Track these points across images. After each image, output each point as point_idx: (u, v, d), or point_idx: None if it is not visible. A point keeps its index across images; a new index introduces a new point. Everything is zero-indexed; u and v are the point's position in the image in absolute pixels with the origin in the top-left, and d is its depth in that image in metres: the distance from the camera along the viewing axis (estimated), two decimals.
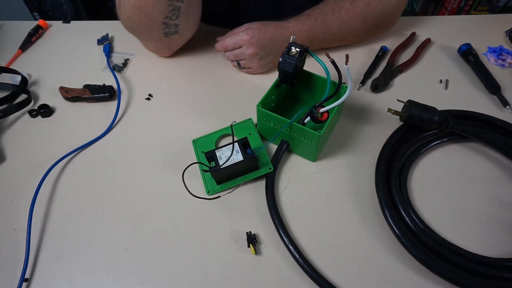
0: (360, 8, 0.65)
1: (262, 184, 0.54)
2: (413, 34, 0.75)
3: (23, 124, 0.65)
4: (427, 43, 0.73)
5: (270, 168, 0.54)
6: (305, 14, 0.66)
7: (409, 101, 0.56)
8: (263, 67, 0.68)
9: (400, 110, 0.58)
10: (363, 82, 0.67)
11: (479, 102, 0.64)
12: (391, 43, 0.73)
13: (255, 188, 0.54)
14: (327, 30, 0.66)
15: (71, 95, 0.66)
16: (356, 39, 0.71)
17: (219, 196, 0.53)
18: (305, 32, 0.65)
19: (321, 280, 0.45)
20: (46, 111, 0.65)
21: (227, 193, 0.53)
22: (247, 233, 0.49)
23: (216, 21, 0.79)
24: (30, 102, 0.66)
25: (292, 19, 0.66)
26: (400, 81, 0.68)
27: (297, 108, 0.53)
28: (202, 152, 0.57)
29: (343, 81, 0.53)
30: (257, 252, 0.48)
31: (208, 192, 0.54)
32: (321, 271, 0.46)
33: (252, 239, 0.48)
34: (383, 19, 0.68)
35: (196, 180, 0.55)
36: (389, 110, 0.57)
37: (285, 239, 0.48)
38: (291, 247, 0.47)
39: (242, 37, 0.63)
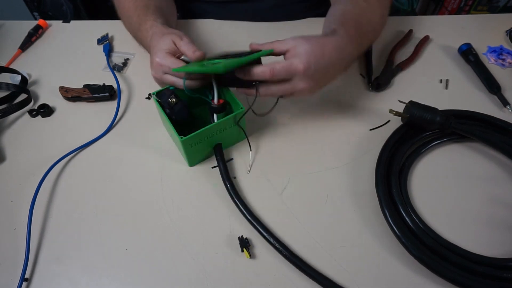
0: (375, 3, 0.60)
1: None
2: (411, 31, 0.75)
3: (23, 124, 0.65)
4: (425, 40, 0.73)
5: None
6: (344, 21, 0.55)
7: (411, 102, 0.56)
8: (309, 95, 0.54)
9: (401, 110, 0.58)
10: (370, 82, 0.67)
11: (479, 102, 0.64)
12: (390, 42, 0.74)
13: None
14: (365, 34, 0.58)
15: (71, 95, 0.66)
16: (377, 36, 0.63)
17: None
18: (354, 42, 0.54)
19: (320, 277, 0.45)
20: (46, 111, 0.65)
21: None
22: (239, 237, 0.49)
23: None
24: (30, 101, 0.66)
25: (340, 29, 0.53)
26: (400, 80, 0.68)
27: (205, 111, 0.55)
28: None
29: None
30: (253, 254, 0.48)
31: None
32: (321, 271, 0.46)
33: (245, 243, 0.48)
34: (388, 2, 0.64)
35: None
36: (391, 111, 0.57)
37: (271, 240, 0.48)
38: (281, 248, 0.47)
39: (296, 65, 0.47)
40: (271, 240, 0.47)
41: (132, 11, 0.64)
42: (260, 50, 0.51)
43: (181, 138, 0.50)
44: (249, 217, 0.49)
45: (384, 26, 0.63)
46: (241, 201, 0.51)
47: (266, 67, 0.48)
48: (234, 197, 0.51)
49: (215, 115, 0.53)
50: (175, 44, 0.54)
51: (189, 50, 0.52)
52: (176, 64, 0.52)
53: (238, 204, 0.51)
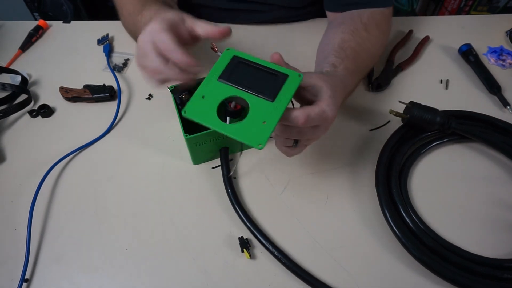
0: (375, 32, 0.59)
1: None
2: (411, 31, 0.76)
3: (23, 124, 0.65)
4: (425, 40, 0.74)
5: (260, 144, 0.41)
6: (344, 56, 0.53)
7: (411, 103, 0.56)
8: None
9: (401, 111, 0.58)
10: (370, 82, 0.66)
11: (479, 102, 0.64)
12: (390, 42, 0.74)
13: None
14: (365, 68, 0.58)
15: (71, 95, 0.66)
16: (381, 53, 0.63)
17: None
18: (354, 77, 0.54)
19: (318, 283, 0.45)
20: (46, 111, 0.65)
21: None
22: (239, 238, 0.49)
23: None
24: (30, 102, 0.66)
25: (341, 62, 0.52)
26: (400, 80, 0.68)
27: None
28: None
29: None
30: (253, 255, 0.48)
31: (184, 112, 0.42)
32: (321, 271, 0.46)
33: (246, 244, 0.48)
34: (388, 30, 0.64)
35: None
36: (391, 111, 0.57)
37: (270, 248, 0.47)
38: (280, 256, 0.47)
39: (328, 114, 0.42)
40: (270, 248, 0.47)
41: (132, 4, 0.58)
42: (304, 122, 0.41)
43: (186, 135, 0.50)
44: (249, 225, 0.49)
45: (383, 52, 0.63)
46: (241, 208, 0.51)
47: (300, 112, 0.40)
48: (235, 204, 0.51)
49: (228, 118, 0.47)
50: (183, 23, 0.44)
51: (210, 27, 0.43)
52: (171, 40, 0.41)
53: (239, 212, 0.50)
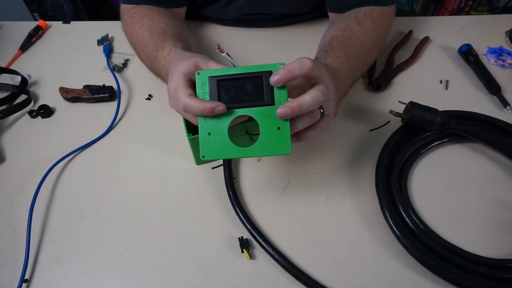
0: (370, 26, 0.60)
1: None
2: (411, 32, 0.76)
3: (23, 125, 0.65)
4: (425, 41, 0.74)
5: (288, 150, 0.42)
6: (329, 48, 0.54)
7: (411, 103, 0.56)
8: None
9: (401, 111, 0.58)
10: (370, 82, 0.66)
11: (479, 103, 0.64)
12: (390, 42, 0.74)
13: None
14: (357, 56, 0.57)
15: (71, 96, 0.66)
16: (374, 58, 0.63)
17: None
18: (345, 64, 0.53)
19: (313, 282, 0.45)
20: (46, 111, 0.65)
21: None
22: (239, 238, 0.49)
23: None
24: (30, 102, 0.66)
25: (325, 55, 0.53)
26: (400, 81, 0.68)
27: None
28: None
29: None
30: (253, 255, 0.48)
31: (203, 157, 0.42)
32: (321, 272, 0.46)
33: (245, 244, 0.48)
34: (387, 26, 0.64)
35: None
36: (391, 111, 0.57)
37: (270, 251, 0.47)
38: (280, 259, 0.47)
39: (304, 59, 0.40)
40: (271, 251, 0.47)
41: (148, 39, 0.59)
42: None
43: (190, 136, 0.49)
44: (250, 228, 0.49)
45: (382, 47, 0.63)
46: (242, 210, 0.51)
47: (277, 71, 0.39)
48: (235, 206, 0.51)
49: None
50: (196, 68, 0.45)
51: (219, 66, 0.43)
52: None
53: (240, 214, 0.50)
